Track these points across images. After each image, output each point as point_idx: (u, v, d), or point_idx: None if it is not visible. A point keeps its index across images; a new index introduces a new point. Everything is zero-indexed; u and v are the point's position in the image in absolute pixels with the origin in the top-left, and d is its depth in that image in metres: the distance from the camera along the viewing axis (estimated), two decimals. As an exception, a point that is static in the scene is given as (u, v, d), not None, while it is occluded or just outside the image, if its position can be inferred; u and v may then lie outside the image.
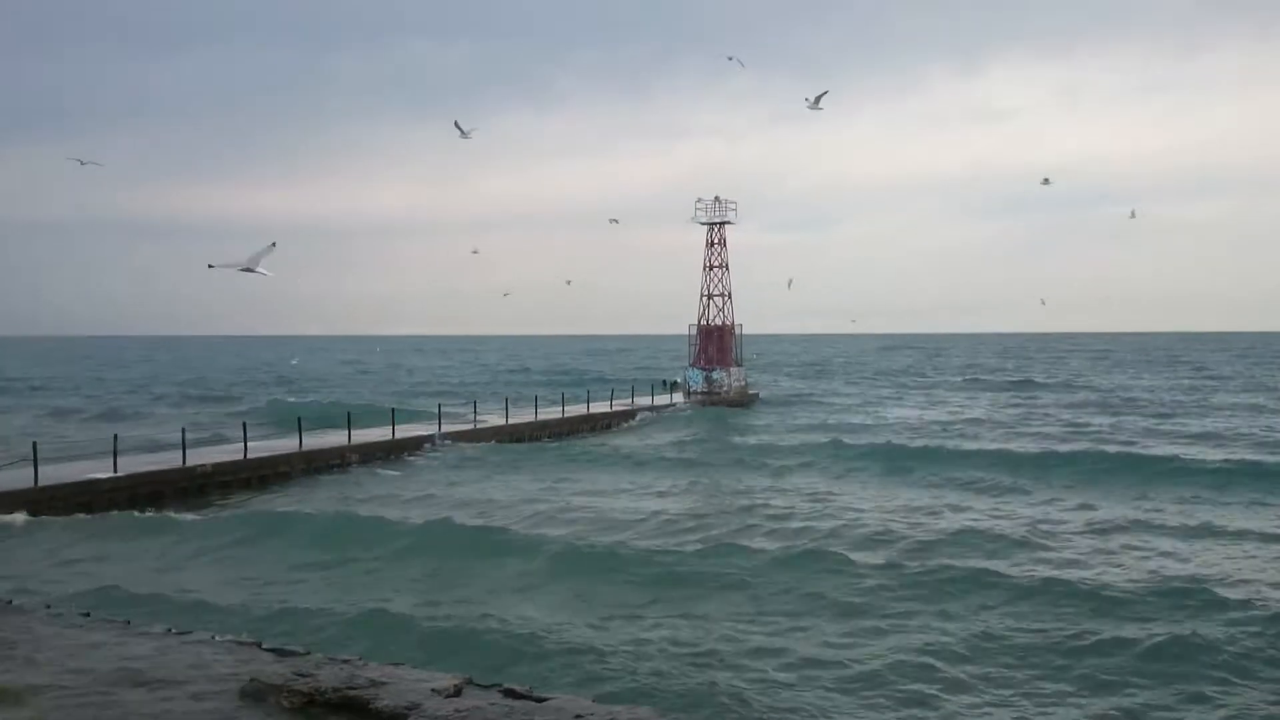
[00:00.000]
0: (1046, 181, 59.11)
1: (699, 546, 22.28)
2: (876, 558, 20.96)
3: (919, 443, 43.47)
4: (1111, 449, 40.48)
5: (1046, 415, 58.79)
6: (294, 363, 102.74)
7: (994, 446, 42.69)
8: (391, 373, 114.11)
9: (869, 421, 55.69)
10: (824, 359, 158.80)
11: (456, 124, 32.79)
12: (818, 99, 31.98)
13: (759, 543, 22.80)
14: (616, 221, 57.76)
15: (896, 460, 38.04)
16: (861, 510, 27.77)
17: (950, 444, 43.65)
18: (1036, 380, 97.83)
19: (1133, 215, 67.21)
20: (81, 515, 25.63)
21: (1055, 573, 19.57)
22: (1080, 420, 55.48)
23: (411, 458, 37.96)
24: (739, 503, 29.35)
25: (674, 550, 21.64)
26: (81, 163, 35.25)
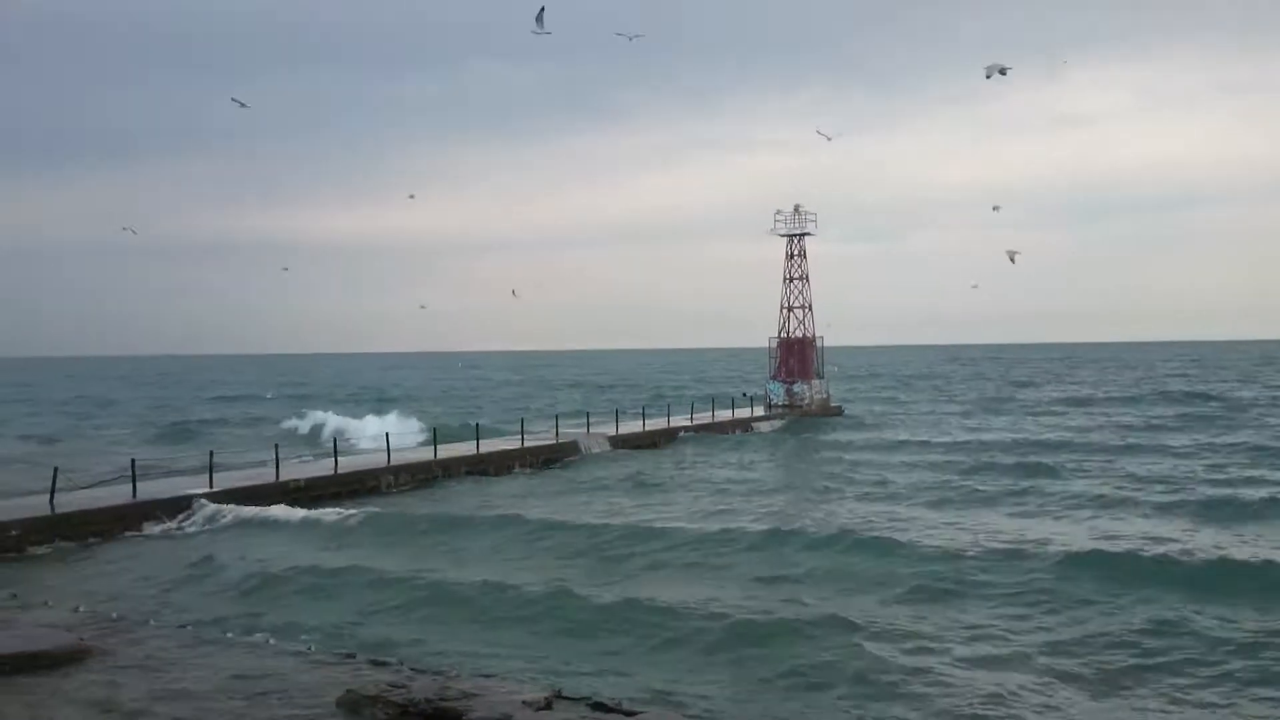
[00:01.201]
0: (996, 209, 60.69)
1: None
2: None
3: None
4: None
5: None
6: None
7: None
8: (490, 388, 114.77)
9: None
10: (904, 370, 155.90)
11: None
12: (1000, 70, 30.12)
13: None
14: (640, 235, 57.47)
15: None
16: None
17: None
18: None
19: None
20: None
21: None
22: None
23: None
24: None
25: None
26: (241, 104, 35.88)
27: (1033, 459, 38.45)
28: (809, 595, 17.41)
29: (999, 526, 24.47)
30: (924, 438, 49.60)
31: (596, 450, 42.90)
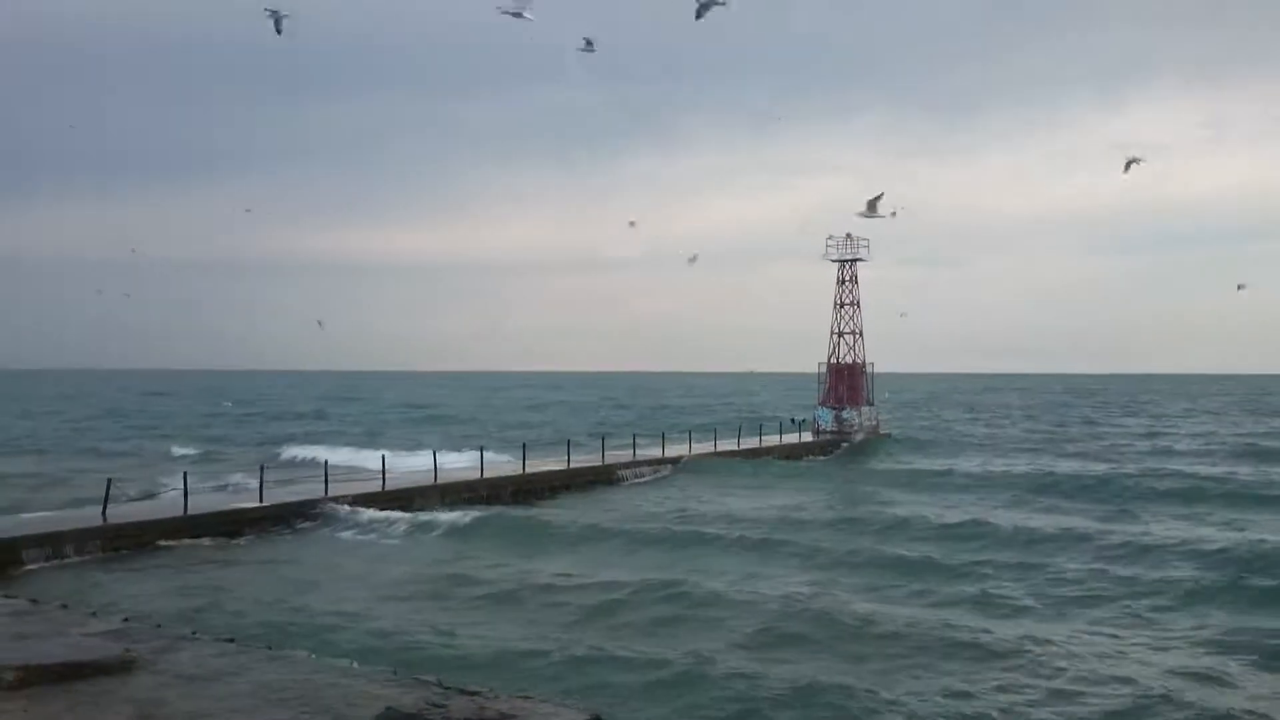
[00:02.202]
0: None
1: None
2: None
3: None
4: None
5: None
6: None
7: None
8: (547, 411, 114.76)
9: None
10: (962, 398, 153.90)
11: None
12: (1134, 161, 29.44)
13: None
14: (694, 259, 56.57)
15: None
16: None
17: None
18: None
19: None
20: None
21: None
22: None
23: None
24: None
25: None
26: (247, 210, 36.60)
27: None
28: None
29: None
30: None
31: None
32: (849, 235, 63.27)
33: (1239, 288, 50.67)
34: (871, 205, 35.57)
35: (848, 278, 63.57)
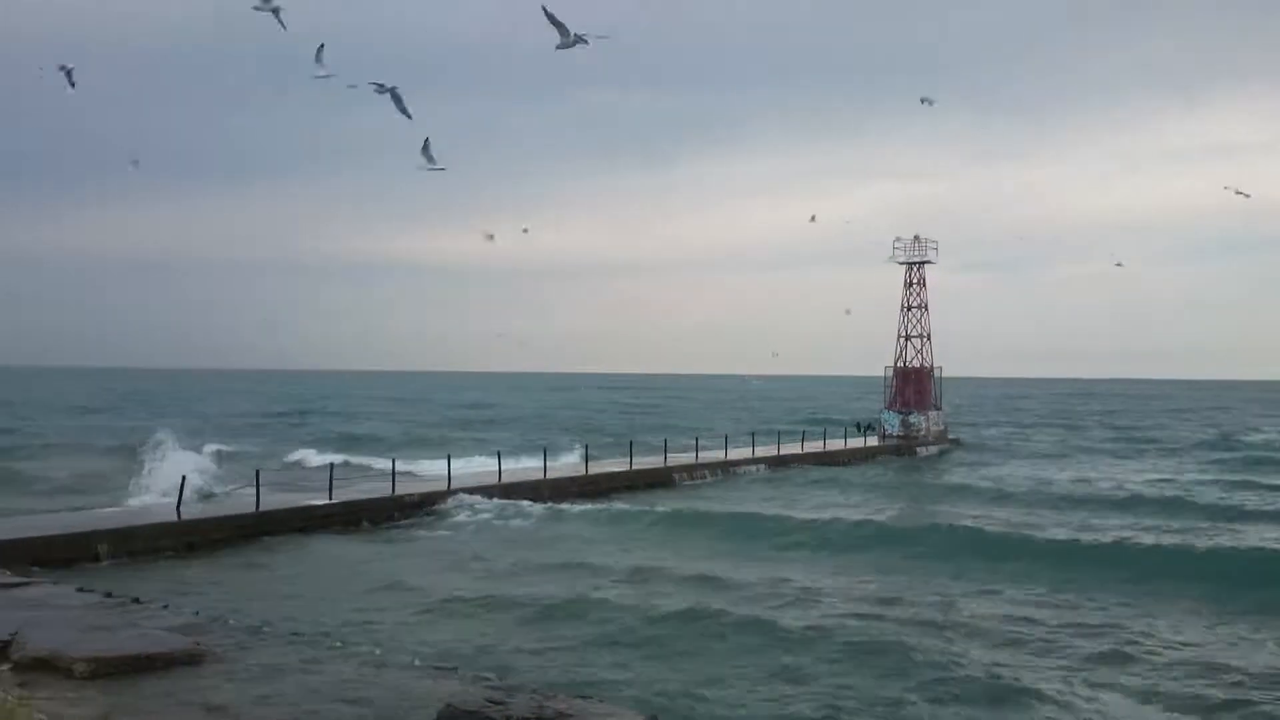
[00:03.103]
0: (1119, 264, 59.86)
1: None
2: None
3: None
4: None
5: None
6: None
7: None
8: (622, 411, 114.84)
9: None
10: (1039, 404, 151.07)
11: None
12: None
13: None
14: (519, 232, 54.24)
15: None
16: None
17: None
18: None
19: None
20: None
21: None
22: None
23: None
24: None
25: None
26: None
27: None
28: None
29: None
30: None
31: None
32: (917, 237, 62.62)
33: None
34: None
35: (915, 280, 62.89)
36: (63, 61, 21.04)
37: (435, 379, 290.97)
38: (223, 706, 8.80)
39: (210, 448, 56.66)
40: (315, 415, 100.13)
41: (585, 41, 21.27)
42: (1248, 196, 30.97)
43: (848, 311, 76.92)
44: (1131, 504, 37.45)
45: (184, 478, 29.18)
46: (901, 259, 62.25)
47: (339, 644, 11.77)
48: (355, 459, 49.57)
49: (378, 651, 11.58)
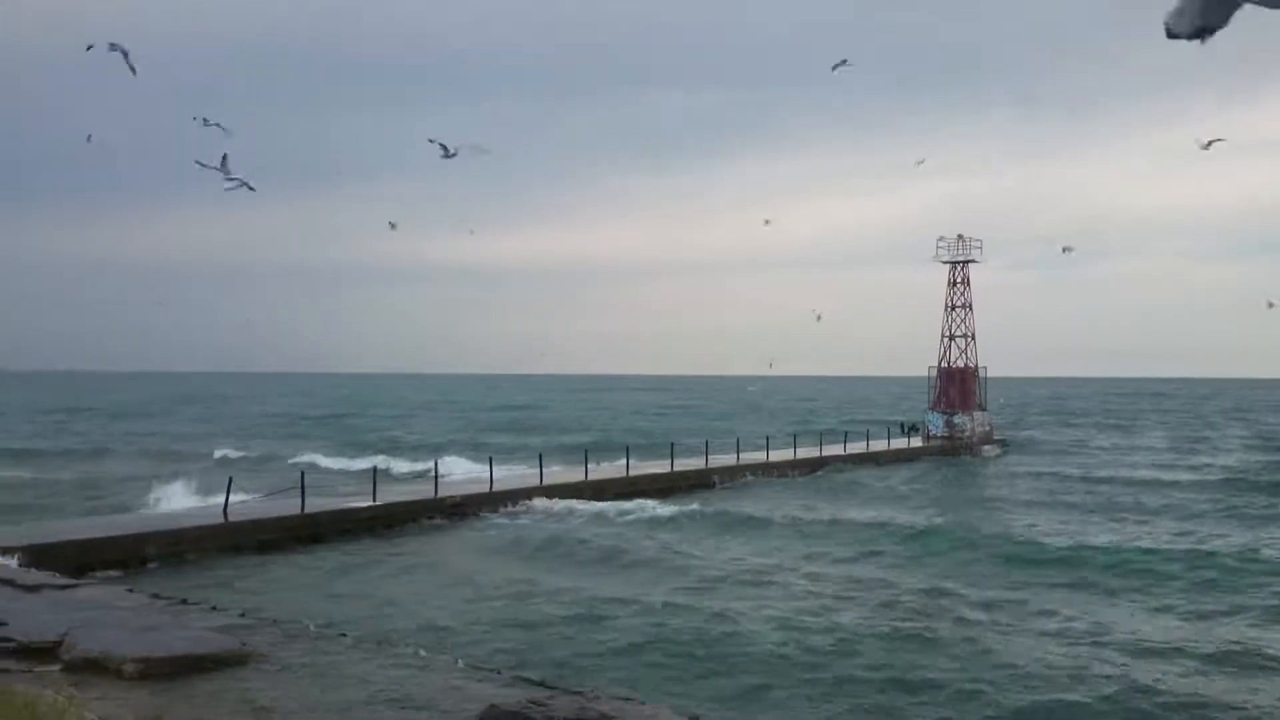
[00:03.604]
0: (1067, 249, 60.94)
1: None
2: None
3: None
4: None
5: None
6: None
7: None
8: (659, 415, 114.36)
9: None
10: (1097, 403, 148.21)
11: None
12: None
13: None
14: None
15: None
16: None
17: None
18: None
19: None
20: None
21: None
22: None
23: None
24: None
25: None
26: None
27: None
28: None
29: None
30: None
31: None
32: (960, 236, 62.06)
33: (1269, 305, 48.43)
34: None
35: (959, 280, 62.32)
36: (116, 42, 20.44)
37: (485, 380, 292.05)
38: (269, 708, 8.90)
39: (219, 453, 56.62)
40: (357, 418, 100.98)
41: (455, 154, 23.46)
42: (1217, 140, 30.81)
43: (818, 317, 75.06)
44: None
45: (230, 480, 29.50)
46: (945, 258, 61.77)
47: (379, 644, 11.87)
48: (395, 463, 49.86)
49: (422, 653, 11.66)
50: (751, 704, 13.02)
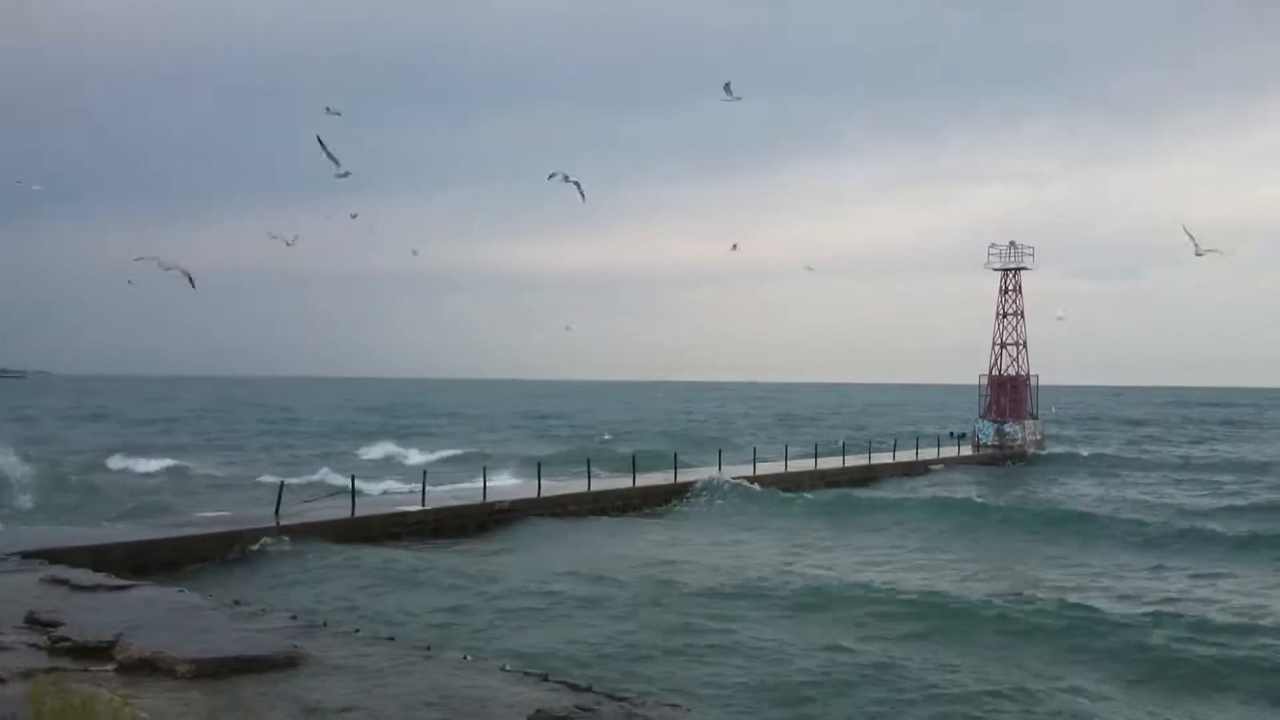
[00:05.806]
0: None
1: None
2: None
3: None
4: None
5: None
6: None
7: None
8: (718, 419, 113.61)
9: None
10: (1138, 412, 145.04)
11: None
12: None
13: None
14: (735, 248, 52.29)
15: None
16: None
17: None
18: None
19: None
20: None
21: None
22: None
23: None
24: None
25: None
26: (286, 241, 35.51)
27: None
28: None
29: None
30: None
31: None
32: (1012, 243, 61.46)
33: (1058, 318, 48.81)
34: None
35: (1010, 287, 61.68)
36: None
37: (557, 387, 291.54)
38: (319, 709, 8.97)
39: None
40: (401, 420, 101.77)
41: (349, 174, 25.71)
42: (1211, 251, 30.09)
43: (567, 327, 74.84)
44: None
45: (281, 483, 29.83)
46: (996, 265, 61.17)
47: (428, 648, 11.91)
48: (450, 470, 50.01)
49: (467, 657, 11.69)
50: None
